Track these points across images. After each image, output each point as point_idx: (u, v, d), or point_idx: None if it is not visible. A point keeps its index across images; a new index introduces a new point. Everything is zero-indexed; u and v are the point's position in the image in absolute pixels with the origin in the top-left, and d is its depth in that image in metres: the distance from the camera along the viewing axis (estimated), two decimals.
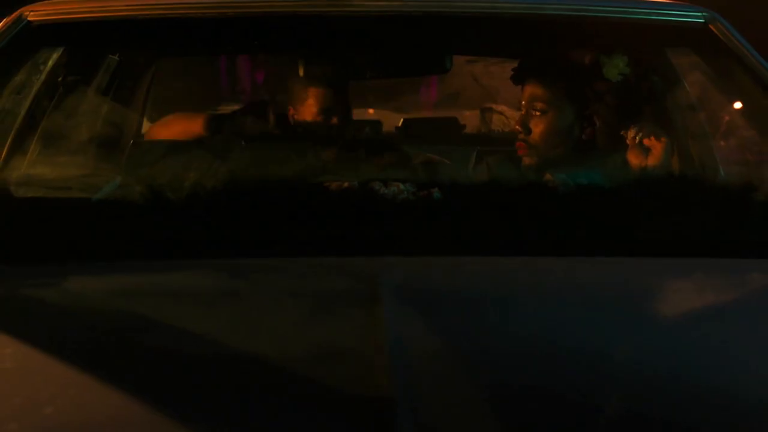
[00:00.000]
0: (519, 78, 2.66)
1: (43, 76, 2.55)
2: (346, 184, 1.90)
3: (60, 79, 2.62)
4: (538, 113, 2.56)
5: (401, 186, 1.87)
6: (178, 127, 2.92)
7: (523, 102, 2.60)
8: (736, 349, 1.39)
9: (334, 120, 2.87)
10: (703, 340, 1.42)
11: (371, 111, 4.58)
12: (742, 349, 1.39)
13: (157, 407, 1.14)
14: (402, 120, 4.11)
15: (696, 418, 1.16)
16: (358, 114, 4.45)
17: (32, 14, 2.28)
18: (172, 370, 1.26)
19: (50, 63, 2.56)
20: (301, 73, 2.92)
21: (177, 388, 1.21)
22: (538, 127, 2.56)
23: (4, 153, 2.43)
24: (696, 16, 2.36)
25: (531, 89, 2.59)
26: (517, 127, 2.61)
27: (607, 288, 1.69)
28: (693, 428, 1.14)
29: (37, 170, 2.20)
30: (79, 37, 2.47)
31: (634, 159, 2.35)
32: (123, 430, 1.10)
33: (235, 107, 4.07)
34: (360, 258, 1.71)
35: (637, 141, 2.36)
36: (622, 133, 2.40)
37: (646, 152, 2.35)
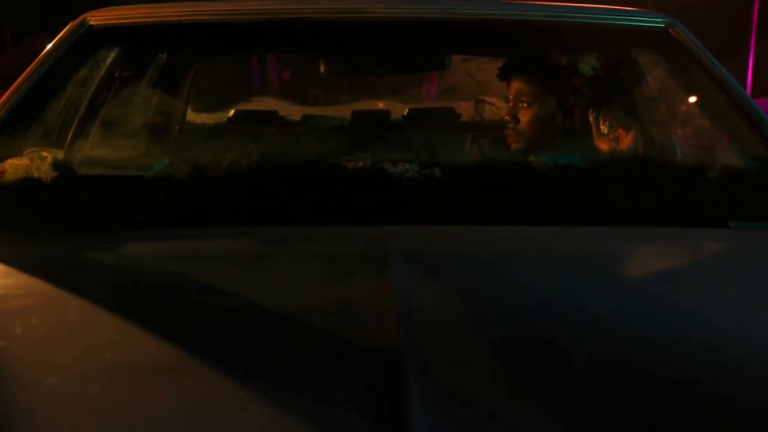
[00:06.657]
0: (505, 75, 2.63)
1: (102, 72, 2.55)
2: (360, 164, 1.89)
3: (117, 74, 2.62)
4: (525, 105, 2.53)
5: (407, 165, 1.86)
6: None
7: (511, 96, 2.57)
8: (692, 302, 1.39)
9: None
10: (665, 295, 1.42)
11: (381, 105, 4.55)
12: (696, 301, 1.39)
13: (199, 352, 1.14)
14: (407, 110, 4.08)
15: (660, 357, 1.16)
16: (369, 105, 4.42)
17: (93, 19, 2.27)
18: (211, 321, 1.26)
19: (108, 61, 2.56)
20: (322, 69, 2.91)
21: (215, 337, 1.20)
22: (525, 117, 2.53)
23: (69, 137, 2.43)
24: (657, 22, 2.36)
25: (517, 85, 2.56)
26: (506, 117, 2.58)
27: (585, 251, 1.68)
28: (658, 367, 1.13)
29: (97, 152, 2.20)
30: (133, 39, 2.47)
31: (608, 146, 2.33)
32: (171, 371, 1.10)
33: (266, 99, 4.04)
34: (372, 227, 1.70)
35: (612, 132, 2.34)
36: (599, 124, 2.38)
37: (618, 141, 2.33)
